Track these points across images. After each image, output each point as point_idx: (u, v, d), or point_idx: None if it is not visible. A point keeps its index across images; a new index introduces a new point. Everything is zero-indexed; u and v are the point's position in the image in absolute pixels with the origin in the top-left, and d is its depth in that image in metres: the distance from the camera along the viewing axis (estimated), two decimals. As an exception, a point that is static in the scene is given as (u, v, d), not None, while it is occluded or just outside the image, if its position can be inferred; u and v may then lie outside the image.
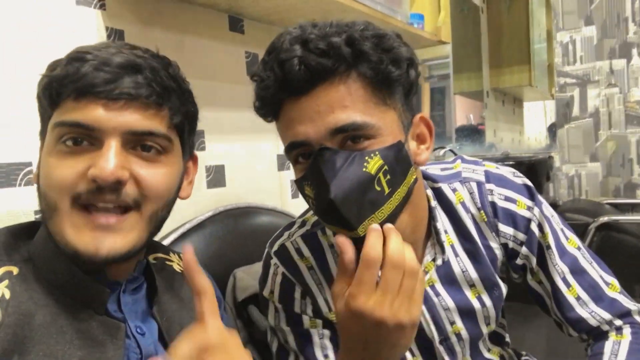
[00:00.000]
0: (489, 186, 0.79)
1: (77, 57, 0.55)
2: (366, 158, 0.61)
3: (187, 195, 0.67)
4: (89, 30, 0.91)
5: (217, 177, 1.18)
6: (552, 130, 4.10)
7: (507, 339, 0.93)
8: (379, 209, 0.62)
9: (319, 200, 0.62)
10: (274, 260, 0.79)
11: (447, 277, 0.77)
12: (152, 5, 1.03)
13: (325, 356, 0.76)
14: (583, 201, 3.44)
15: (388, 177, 0.63)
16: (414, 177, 0.68)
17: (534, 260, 0.79)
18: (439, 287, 0.76)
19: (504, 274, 0.84)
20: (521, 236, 0.78)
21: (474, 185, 0.79)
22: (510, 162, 2.41)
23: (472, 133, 2.88)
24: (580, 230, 2.40)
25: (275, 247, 0.80)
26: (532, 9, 3.18)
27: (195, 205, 1.11)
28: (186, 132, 0.63)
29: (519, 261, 0.80)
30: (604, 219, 2.40)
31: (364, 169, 0.61)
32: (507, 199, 0.78)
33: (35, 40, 0.83)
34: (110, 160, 0.52)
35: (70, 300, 0.56)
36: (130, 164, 0.55)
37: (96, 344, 0.55)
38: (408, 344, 0.62)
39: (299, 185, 0.67)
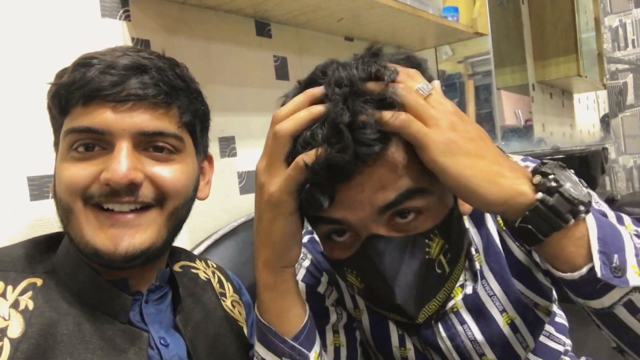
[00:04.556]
0: None
1: (83, 62, 0.55)
2: (427, 241, 0.53)
3: (205, 196, 0.66)
4: (115, 41, 0.92)
5: (249, 183, 1.17)
6: (605, 120, 3.89)
7: (566, 348, 0.80)
8: (440, 291, 0.57)
9: (373, 294, 0.56)
10: (303, 250, 0.75)
11: (475, 306, 0.67)
12: (177, 14, 1.03)
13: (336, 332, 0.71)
14: (644, 194, 3.23)
15: (449, 255, 0.56)
16: (469, 240, 0.61)
17: None
18: (465, 314, 0.67)
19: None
20: None
21: None
22: (561, 156, 2.29)
23: (520, 128, 2.77)
24: (642, 225, 2.23)
25: (305, 239, 0.77)
26: (577, -6, 3.03)
27: (229, 212, 1.10)
28: (198, 131, 0.62)
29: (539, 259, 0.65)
30: (668, 211, 2.24)
31: (427, 256, 0.53)
32: None
33: (62, 54, 0.84)
34: (122, 162, 0.52)
35: (93, 309, 0.56)
36: (143, 165, 0.55)
37: (119, 352, 0.54)
38: None
39: (336, 266, 0.59)
